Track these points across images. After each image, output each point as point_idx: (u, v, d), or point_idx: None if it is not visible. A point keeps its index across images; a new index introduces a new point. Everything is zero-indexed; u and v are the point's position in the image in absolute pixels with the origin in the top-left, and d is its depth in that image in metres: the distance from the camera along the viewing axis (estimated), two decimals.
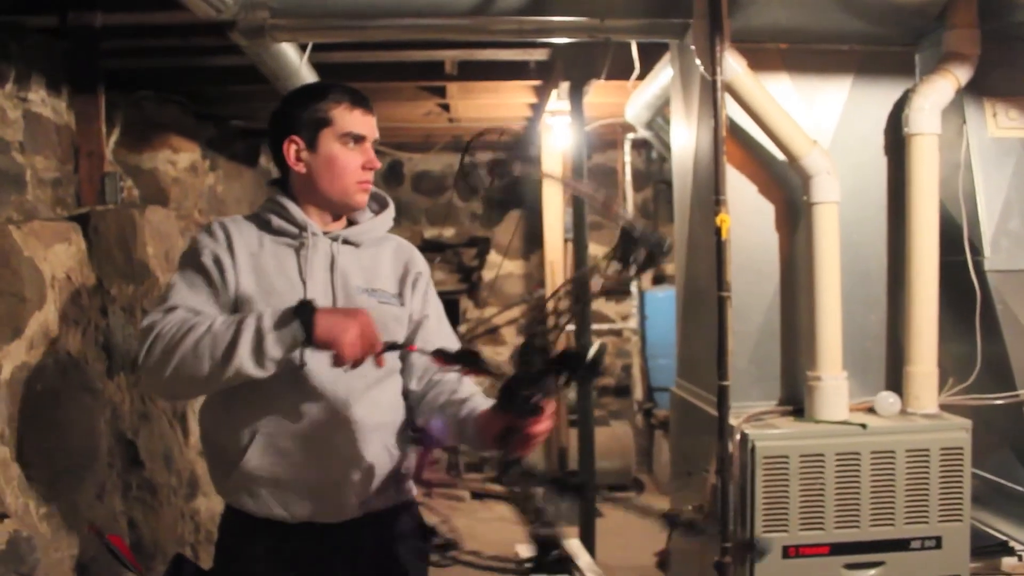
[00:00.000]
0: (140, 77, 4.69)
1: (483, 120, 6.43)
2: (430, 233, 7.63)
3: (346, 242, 2.03)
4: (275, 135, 2.04)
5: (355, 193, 2.03)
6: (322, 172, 2.00)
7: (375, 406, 2.00)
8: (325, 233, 2.03)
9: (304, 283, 1.95)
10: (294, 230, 2.00)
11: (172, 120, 4.92)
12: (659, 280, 7.59)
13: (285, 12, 2.88)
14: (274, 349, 1.71)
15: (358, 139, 2.00)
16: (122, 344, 2.66)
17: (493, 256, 7.54)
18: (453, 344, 2.00)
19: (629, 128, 6.75)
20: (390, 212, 2.17)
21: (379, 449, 1.99)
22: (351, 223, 2.11)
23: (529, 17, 3.02)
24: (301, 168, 2.01)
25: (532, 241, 7.52)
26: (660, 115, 5.43)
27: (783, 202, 2.77)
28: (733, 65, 2.55)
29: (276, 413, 1.89)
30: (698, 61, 2.62)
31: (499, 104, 5.93)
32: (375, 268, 2.06)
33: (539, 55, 4.49)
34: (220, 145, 5.79)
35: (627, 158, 7.25)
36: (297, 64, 3.61)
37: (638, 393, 7.38)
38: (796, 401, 2.76)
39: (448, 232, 7.72)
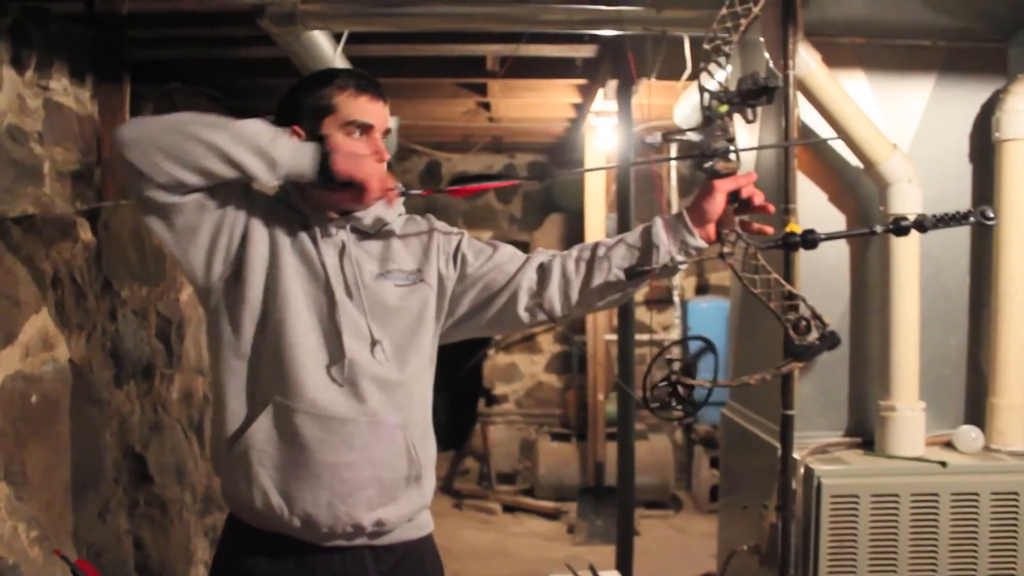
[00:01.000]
0: (170, 69, 4.52)
1: (524, 120, 6.21)
2: (471, 234, 7.41)
3: (354, 231, 1.87)
4: (279, 124, 1.85)
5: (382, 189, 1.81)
6: None
7: (405, 400, 1.84)
8: (331, 221, 1.85)
9: (325, 271, 1.81)
10: (306, 219, 1.84)
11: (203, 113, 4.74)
12: (703, 290, 7.32)
13: None
14: (284, 152, 1.69)
15: (364, 128, 1.82)
16: (133, 350, 2.47)
17: None
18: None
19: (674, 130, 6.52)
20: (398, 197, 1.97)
21: (399, 449, 1.81)
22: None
23: (580, 6, 2.79)
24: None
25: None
26: None
27: (855, 212, 2.52)
28: (806, 60, 2.30)
29: (296, 388, 1.75)
30: (767, 55, 2.37)
31: (542, 104, 5.70)
32: (387, 251, 1.89)
33: (586, 51, 4.26)
34: None
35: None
36: (331, 56, 3.41)
37: None
38: (865, 432, 2.51)
39: (486, 235, 7.50)
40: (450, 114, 5.91)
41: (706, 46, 1.75)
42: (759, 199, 1.75)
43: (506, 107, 5.73)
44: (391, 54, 4.17)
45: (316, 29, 2.95)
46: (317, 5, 2.76)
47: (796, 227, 2.14)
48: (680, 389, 1.69)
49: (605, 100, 4.59)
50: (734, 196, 1.74)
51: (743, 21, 1.74)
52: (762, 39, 2.39)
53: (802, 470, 2.31)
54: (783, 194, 2.21)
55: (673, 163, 6.98)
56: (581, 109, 5.68)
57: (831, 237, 1.89)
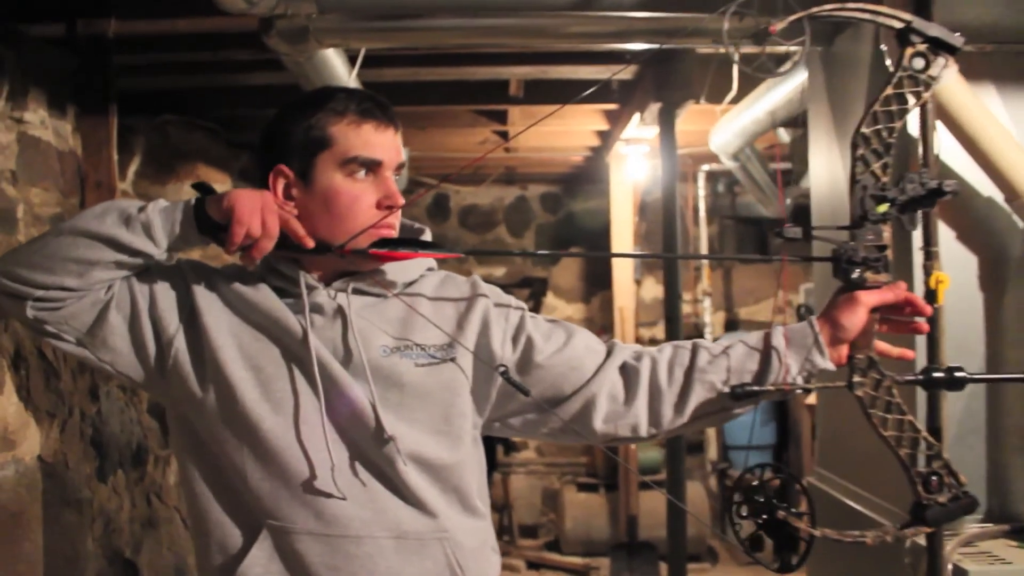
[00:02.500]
0: (164, 99, 4.12)
1: (542, 150, 5.83)
2: (479, 272, 6.98)
3: (359, 292, 1.50)
4: (262, 163, 1.50)
5: (367, 243, 1.46)
6: (319, 214, 1.46)
7: (442, 503, 1.47)
8: (326, 286, 1.50)
9: (311, 347, 1.44)
10: (286, 285, 1.50)
11: (200, 147, 4.33)
12: (732, 326, 6.90)
13: (335, 6, 2.27)
14: (157, 212, 1.39)
15: (370, 165, 1.45)
16: (120, 434, 2.03)
17: (550, 298, 6.88)
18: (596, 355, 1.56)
19: (702, 159, 6.16)
20: (427, 238, 1.60)
21: (440, 569, 1.44)
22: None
23: (640, 14, 2.39)
24: (294, 209, 1.47)
25: (593, 282, 6.87)
26: (750, 144, 4.81)
27: (989, 253, 2.10)
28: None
29: (292, 505, 1.41)
30: (889, 63, 1.96)
31: (563, 132, 5.33)
32: (408, 318, 1.50)
33: (624, 72, 3.86)
34: (256, 176, 5.19)
35: (701, 191, 6.57)
36: (345, 80, 3.01)
37: (712, 452, 6.67)
38: (1011, 516, 2.07)
39: (498, 271, 7.10)
40: (465, 144, 5.52)
41: (864, 130, 1.43)
42: (916, 312, 1.47)
43: (525, 136, 5.33)
44: (409, 79, 3.78)
45: (332, 47, 2.55)
46: (333, 19, 2.35)
47: (943, 276, 1.72)
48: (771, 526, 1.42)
49: (641, 125, 4.19)
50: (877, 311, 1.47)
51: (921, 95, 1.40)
52: (884, 47, 1.98)
53: (949, 568, 1.87)
54: (924, 236, 1.79)
55: (702, 194, 6.58)
56: (607, 137, 5.30)
57: (984, 379, 1.84)
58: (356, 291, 1.49)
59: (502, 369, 1.47)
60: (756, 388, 1.43)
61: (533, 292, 6.97)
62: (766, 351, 1.48)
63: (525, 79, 3.93)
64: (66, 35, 3.11)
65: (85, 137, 3.16)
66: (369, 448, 1.43)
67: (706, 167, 6.38)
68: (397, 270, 1.52)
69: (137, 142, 4.04)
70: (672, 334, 3.72)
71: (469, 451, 1.52)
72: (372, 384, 1.43)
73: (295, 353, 1.45)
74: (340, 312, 1.46)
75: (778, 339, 1.47)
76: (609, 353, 1.55)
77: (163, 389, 1.48)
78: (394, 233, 1.49)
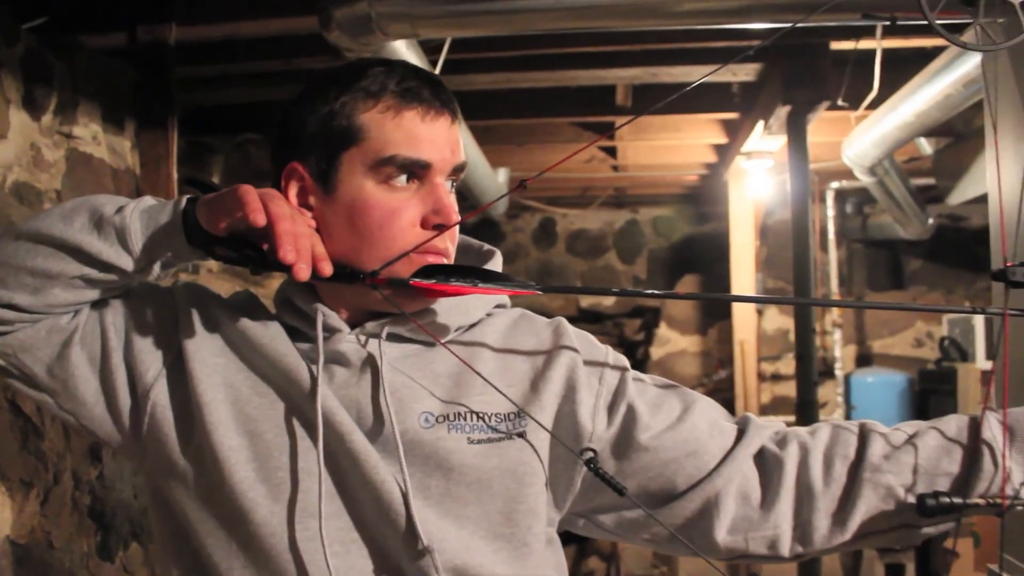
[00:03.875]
0: (245, 115, 3.85)
1: (653, 168, 5.38)
2: (587, 302, 6.54)
3: (397, 338, 1.09)
4: (275, 161, 1.14)
5: (408, 272, 1.06)
6: (342, 230, 1.08)
7: None
8: (354, 327, 1.10)
9: (318, 408, 1.04)
10: (303, 325, 1.12)
11: None
12: (865, 360, 6.24)
13: None
14: (136, 216, 1.03)
15: (414, 169, 1.06)
16: (134, 501, 1.66)
17: (663, 330, 6.37)
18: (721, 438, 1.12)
19: (831, 175, 5.59)
20: (496, 267, 1.19)
21: None
22: None
23: None
24: (310, 220, 1.09)
25: (710, 313, 6.33)
26: (889, 156, 4.24)
27: None
28: None
29: None
30: None
31: (676, 146, 4.87)
32: (464, 375, 1.09)
33: (745, 73, 3.38)
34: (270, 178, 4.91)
35: (830, 212, 5.97)
36: None
37: None
38: None
39: (608, 300, 6.62)
40: (570, 163, 5.07)
41: None
42: None
43: (635, 151, 4.91)
44: (503, 85, 3.39)
45: (400, 38, 2.16)
46: (397, 2, 1.97)
47: None
48: None
49: (766, 135, 3.69)
50: None
51: None
52: None
53: None
54: None
55: (830, 215, 5.98)
56: (725, 151, 4.81)
57: None
58: (393, 337, 1.09)
59: (588, 455, 1.04)
60: (958, 500, 1.01)
61: (645, 323, 6.48)
62: (973, 446, 1.05)
63: (633, 83, 3.49)
64: (127, 45, 2.84)
65: (143, 154, 2.89)
66: (398, 558, 1.03)
67: (835, 184, 5.79)
68: (452, 309, 1.11)
69: (215, 161, 3.79)
70: (804, 373, 3.20)
71: (540, 559, 1.08)
72: (405, 465, 1.02)
73: (305, 415, 1.06)
74: (370, 364, 1.07)
75: (992, 429, 1.04)
76: (741, 434, 1.12)
77: (139, 455, 1.11)
78: (447, 259, 1.08)
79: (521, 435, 1.07)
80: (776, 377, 6.17)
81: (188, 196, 1.05)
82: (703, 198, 6.30)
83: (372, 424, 1.05)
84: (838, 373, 5.87)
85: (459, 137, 1.10)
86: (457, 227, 1.10)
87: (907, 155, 4.86)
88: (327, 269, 1.00)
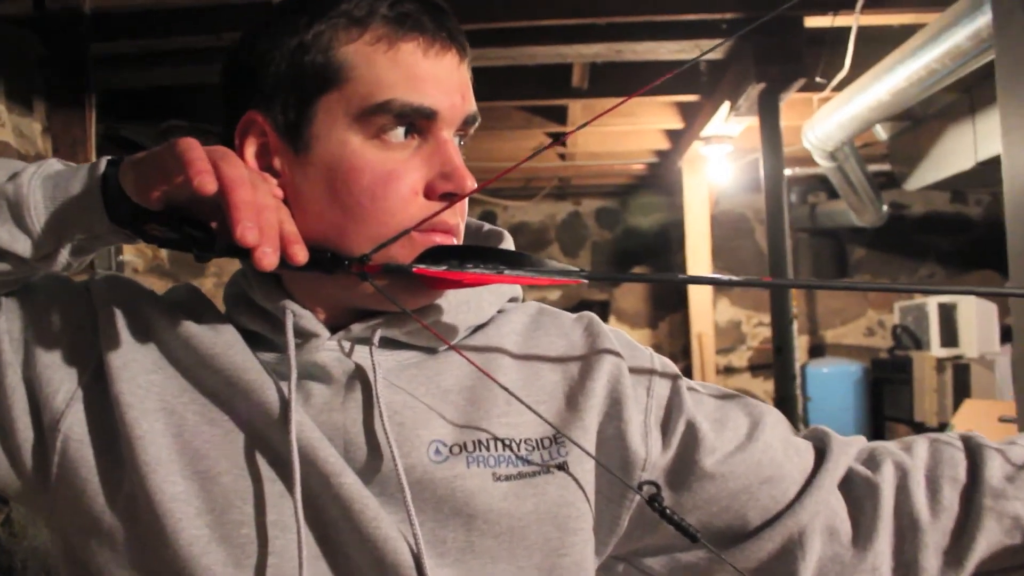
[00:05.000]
0: (169, 100, 3.52)
1: (602, 156, 5.17)
2: (530, 298, 6.30)
3: (394, 344, 0.85)
4: (227, 109, 0.85)
5: (409, 257, 0.81)
6: (321, 201, 0.81)
7: None
8: (336, 331, 0.83)
9: (291, 440, 0.77)
10: (266, 330, 0.85)
11: None
12: (818, 351, 6.14)
13: None
14: (32, 180, 0.76)
15: (415, 119, 0.80)
16: (49, 551, 1.37)
17: (612, 324, 6.17)
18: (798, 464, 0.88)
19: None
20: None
21: None
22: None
23: None
24: (276, 189, 0.82)
25: (661, 304, 6.15)
26: (851, 140, 4.10)
27: None
28: None
29: None
30: None
31: (629, 132, 4.67)
32: (481, 390, 0.85)
33: (715, 51, 3.18)
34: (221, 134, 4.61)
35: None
36: None
37: None
38: None
39: (552, 295, 6.40)
40: (516, 151, 4.85)
41: None
42: None
43: (585, 139, 4.67)
44: None
45: None
46: None
47: None
48: None
49: (732, 117, 3.49)
50: None
51: None
52: None
53: None
54: None
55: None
56: (679, 137, 4.61)
57: None
58: (388, 343, 0.84)
59: (650, 491, 0.80)
60: None
61: None
62: None
63: (595, 61, 3.25)
64: (33, 12, 2.51)
65: (56, 138, 2.55)
66: None
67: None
68: (461, 305, 0.86)
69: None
70: (782, 367, 3.01)
71: None
72: (413, 513, 0.77)
73: (274, 450, 0.80)
74: (359, 379, 0.81)
75: None
76: (821, 453, 0.88)
77: (47, 507, 0.82)
78: (456, 238, 0.83)
79: (562, 467, 0.82)
80: (730, 370, 6.03)
81: (109, 157, 0.78)
82: (648, 188, 6.13)
83: (366, 459, 0.79)
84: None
85: (469, 79, 0.85)
86: (467, 199, 0.85)
87: (861, 140, 4.75)
88: (300, 254, 0.73)
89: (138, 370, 0.82)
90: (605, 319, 6.11)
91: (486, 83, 3.57)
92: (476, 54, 2.58)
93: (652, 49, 3.03)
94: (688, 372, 5.55)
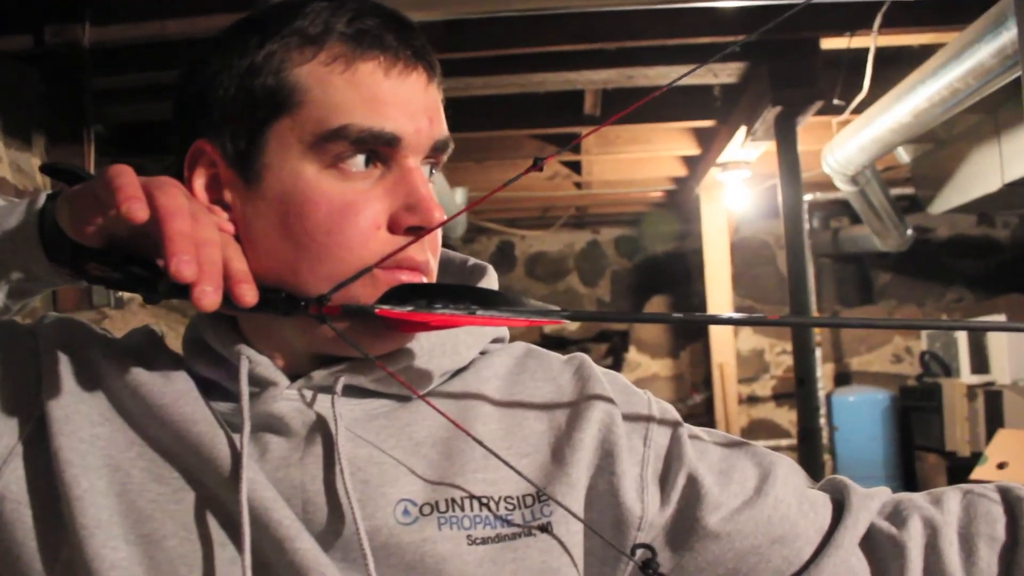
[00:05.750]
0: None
1: (618, 184, 5.11)
2: (550, 328, 6.23)
3: (358, 392, 0.76)
4: (180, 136, 0.77)
5: (372, 297, 0.72)
6: (273, 236, 0.73)
7: None
8: (296, 378, 0.76)
9: (241, 500, 0.69)
10: (220, 377, 0.78)
11: None
12: (843, 379, 6.00)
13: None
14: None
15: (376, 146, 0.72)
16: None
17: (632, 354, 6.07)
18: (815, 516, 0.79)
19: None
20: (491, 287, 0.85)
21: None
22: None
23: None
24: (226, 224, 0.74)
25: (682, 334, 6.05)
26: (872, 164, 4.00)
27: None
28: None
29: None
30: None
31: (645, 159, 4.60)
32: (453, 443, 0.74)
33: (727, 75, 3.10)
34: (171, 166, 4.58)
35: (807, 226, 5.72)
36: None
37: None
38: None
39: (572, 326, 6.32)
40: (529, 181, 4.77)
41: None
42: None
43: (601, 166, 4.62)
44: (461, 93, 3.06)
45: None
46: None
47: None
48: None
49: (748, 142, 3.41)
50: None
51: None
52: None
53: None
54: None
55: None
56: (696, 164, 4.54)
57: None
58: (352, 391, 0.75)
59: (645, 556, 0.72)
60: None
61: (612, 347, 6.19)
62: None
63: (605, 87, 3.19)
64: (33, 48, 2.48)
65: None
66: None
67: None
68: (435, 348, 0.78)
69: None
70: (805, 398, 2.90)
71: None
72: None
73: (225, 509, 0.72)
74: (320, 431, 0.73)
75: None
76: (840, 508, 0.79)
77: None
78: (426, 276, 0.75)
79: (545, 528, 0.73)
80: (753, 399, 5.90)
81: (49, 192, 0.71)
82: (669, 215, 6.05)
83: (326, 521, 0.71)
84: (819, 393, 5.62)
85: (439, 102, 0.77)
86: (439, 232, 0.77)
87: (883, 164, 4.65)
88: (249, 294, 0.65)
89: (82, 423, 0.74)
90: (625, 349, 6.05)
91: (498, 112, 3.55)
92: (485, 82, 2.51)
93: (664, 74, 2.97)
94: (710, 403, 5.44)
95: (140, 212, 0.60)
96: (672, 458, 0.78)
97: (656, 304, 6.12)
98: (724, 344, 5.06)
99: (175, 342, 0.83)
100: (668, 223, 6.24)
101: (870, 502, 0.79)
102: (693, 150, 4.28)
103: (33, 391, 0.76)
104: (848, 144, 3.62)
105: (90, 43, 2.46)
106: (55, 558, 0.72)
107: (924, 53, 2.91)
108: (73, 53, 2.44)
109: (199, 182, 0.74)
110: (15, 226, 0.69)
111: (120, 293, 2.50)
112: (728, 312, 5.04)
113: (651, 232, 6.36)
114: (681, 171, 4.79)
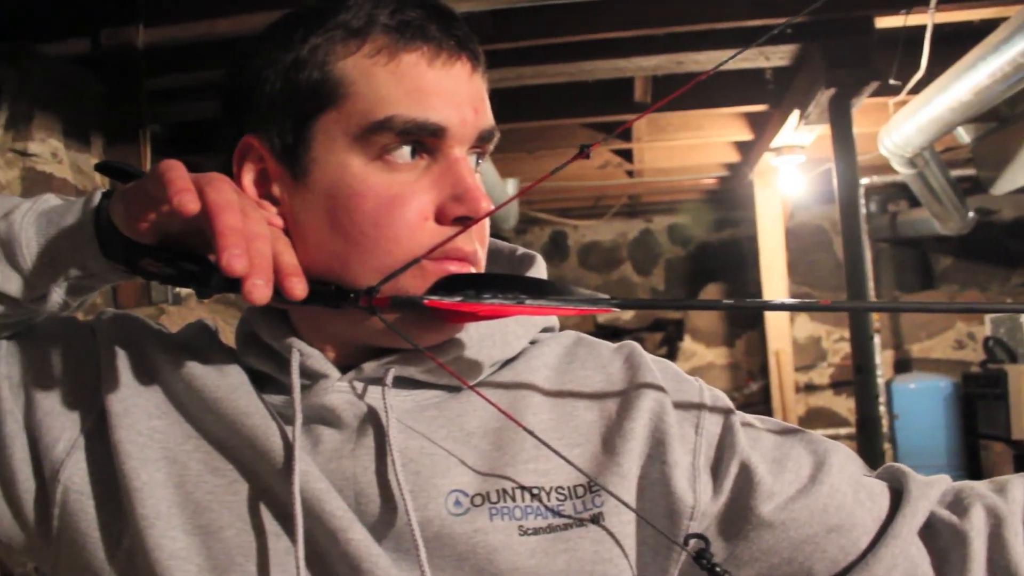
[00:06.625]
0: None
1: (670, 172, 5.05)
2: (603, 317, 6.21)
3: (409, 383, 0.76)
4: (225, 132, 0.79)
5: (421, 288, 0.73)
6: (321, 228, 0.74)
7: None
8: (347, 370, 0.76)
9: (294, 491, 0.70)
10: (273, 370, 0.78)
11: None
12: (903, 366, 5.88)
13: None
14: (27, 217, 0.72)
15: (421, 136, 0.72)
16: None
17: (687, 343, 6.02)
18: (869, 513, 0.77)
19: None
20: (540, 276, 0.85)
21: None
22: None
23: None
24: (275, 218, 0.75)
25: (737, 322, 5.98)
26: (931, 145, 3.90)
27: None
28: None
29: None
30: None
31: (697, 146, 4.55)
32: (504, 433, 0.76)
33: (779, 57, 3.05)
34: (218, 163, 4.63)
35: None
36: None
37: None
38: None
39: (626, 315, 6.28)
40: (581, 170, 4.77)
41: None
42: None
43: (652, 153, 4.58)
44: (512, 83, 3.05)
45: None
46: None
47: None
48: None
49: (802, 126, 3.35)
50: None
51: None
52: None
53: None
54: None
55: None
56: (749, 149, 4.48)
57: None
58: (406, 382, 0.77)
59: (698, 547, 0.71)
60: None
61: (667, 336, 6.14)
62: None
63: (655, 74, 3.16)
64: (91, 52, 2.54)
65: None
66: None
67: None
68: (485, 339, 0.78)
69: None
70: (864, 386, 2.85)
71: None
72: (428, 573, 0.70)
73: (279, 501, 0.73)
74: (371, 422, 0.74)
75: None
76: (897, 496, 0.78)
77: (50, 561, 0.78)
78: (475, 267, 0.75)
79: (596, 519, 0.73)
80: (810, 387, 5.82)
81: (104, 189, 0.73)
82: (721, 202, 5.98)
83: (379, 512, 0.72)
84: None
85: (484, 91, 0.77)
86: (487, 222, 0.77)
87: (942, 145, 4.53)
88: (298, 287, 0.66)
89: (140, 416, 0.76)
90: (680, 338, 6.01)
91: (549, 101, 3.54)
92: (535, 71, 2.50)
93: (714, 58, 2.92)
94: (766, 391, 5.38)
95: (191, 204, 0.60)
96: (724, 446, 0.77)
97: (711, 292, 6.06)
98: (780, 331, 4.98)
99: (231, 336, 0.84)
100: (707, 212, 6.19)
101: (930, 490, 0.77)
102: (746, 135, 4.22)
103: (93, 385, 0.78)
104: (905, 125, 3.54)
105: (144, 45, 2.50)
106: (117, 547, 0.74)
107: (985, 28, 2.82)
108: (128, 55, 2.49)
109: (248, 177, 0.75)
110: (72, 224, 0.71)
111: (177, 289, 2.54)
112: (784, 298, 4.96)
113: (694, 221, 6.31)
114: (734, 157, 4.73)
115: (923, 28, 2.78)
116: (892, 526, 0.75)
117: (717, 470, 0.76)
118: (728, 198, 5.75)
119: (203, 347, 0.80)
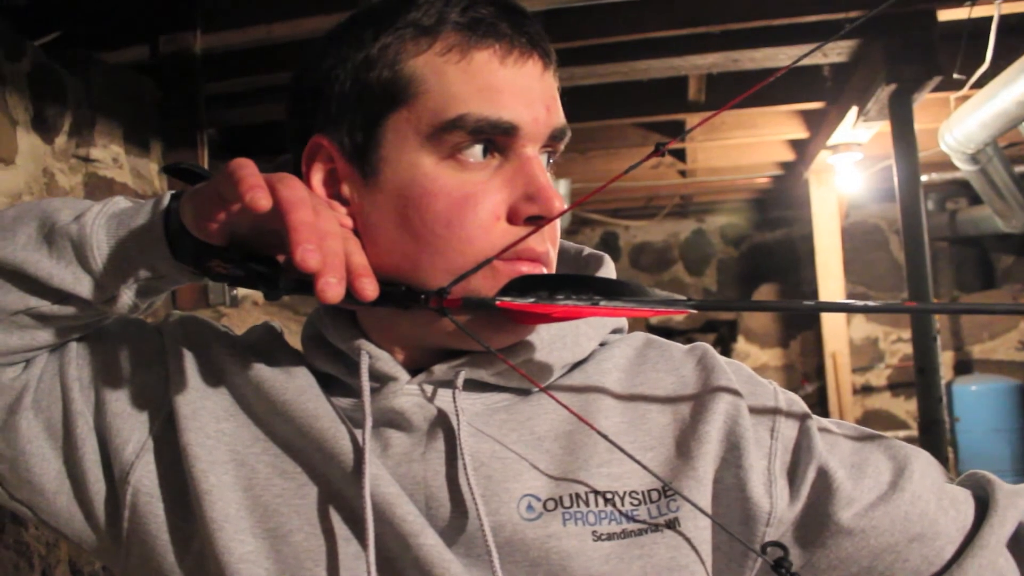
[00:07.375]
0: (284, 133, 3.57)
1: (724, 171, 4.99)
2: (655, 319, 6.16)
3: (479, 386, 0.76)
4: (293, 132, 0.78)
5: (492, 289, 0.72)
6: (392, 229, 0.72)
7: None
8: (416, 373, 0.75)
9: (364, 496, 0.69)
10: (341, 372, 0.78)
11: None
12: (964, 367, 5.75)
13: None
14: (98, 220, 0.72)
15: (494, 135, 0.71)
16: None
17: (741, 344, 5.95)
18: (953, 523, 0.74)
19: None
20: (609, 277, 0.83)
21: None
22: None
23: None
24: (345, 218, 0.74)
25: (791, 323, 5.89)
26: (994, 140, 3.80)
27: None
28: None
29: None
30: None
31: (751, 144, 4.49)
32: (575, 437, 0.74)
33: (837, 53, 2.99)
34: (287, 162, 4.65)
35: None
36: None
37: None
38: None
39: (679, 315, 6.22)
40: (633, 171, 4.72)
41: None
42: None
43: (705, 154, 4.52)
44: (564, 83, 3.01)
45: None
46: None
47: None
48: None
49: (861, 123, 3.29)
50: None
51: None
52: None
53: None
54: None
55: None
56: (804, 147, 4.40)
57: None
58: (475, 385, 0.77)
59: (776, 555, 0.69)
60: None
61: (720, 337, 6.08)
62: None
63: (710, 72, 3.11)
64: (150, 58, 2.57)
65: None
66: None
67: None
68: (555, 341, 0.77)
69: None
70: (927, 388, 2.79)
71: None
72: None
73: (348, 505, 0.73)
74: (442, 426, 0.74)
75: None
76: (983, 505, 0.75)
77: (121, 562, 0.78)
78: (546, 267, 0.74)
79: (671, 525, 0.71)
80: (867, 389, 5.72)
81: (174, 192, 0.73)
82: (775, 202, 5.90)
83: (450, 517, 0.71)
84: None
85: (555, 89, 0.76)
86: (559, 223, 0.76)
87: (1006, 140, 4.42)
88: (369, 288, 0.65)
89: (208, 418, 0.76)
90: (733, 339, 5.94)
91: (601, 100, 3.51)
92: (587, 71, 2.48)
93: (770, 56, 2.88)
94: (822, 393, 5.29)
95: (263, 201, 0.60)
96: (801, 451, 0.75)
97: (764, 292, 5.98)
98: (837, 332, 4.90)
99: (290, 339, 0.84)
100: (760, 212, 6.11)
101: (1019, 499, 0.74)
102: (801, 133, 4.15)
103: (162, 388, 0.78)
104: (968, 120, 3.45)
105: (201, 50, 2.53)
106: (187, 550, 0.74)
107: None
108: (185, 61, 2.51)
109: (317, 177, 0.75)
110: (142, 225, 0.71)
111: (235, 291, 2.57)
112: (841, 298, 4.88)
113: (747, 221, 6.23)
114: (789, 156, 4.66)
115: (988, 20, 2.71)
116: (979, 536, 0.72)
117: (794, 475, 0.74)
118: (782, 197, 5.67)
119: (270, 349, 0.80)
